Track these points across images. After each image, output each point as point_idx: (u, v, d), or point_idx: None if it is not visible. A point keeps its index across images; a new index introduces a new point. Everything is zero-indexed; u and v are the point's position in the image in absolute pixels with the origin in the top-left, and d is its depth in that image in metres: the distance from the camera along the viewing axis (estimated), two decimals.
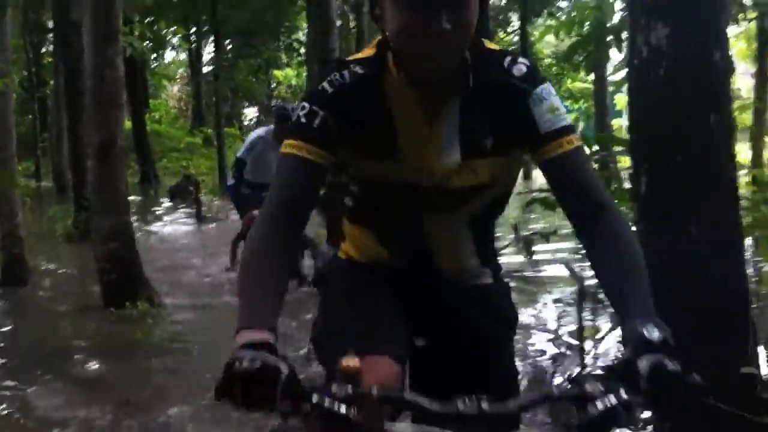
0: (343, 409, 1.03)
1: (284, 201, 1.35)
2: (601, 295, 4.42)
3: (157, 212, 13.82)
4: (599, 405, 1.00)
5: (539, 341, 4.71)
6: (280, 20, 24.19)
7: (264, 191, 6.04)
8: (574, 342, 4.43)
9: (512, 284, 1.77)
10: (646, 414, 2.65)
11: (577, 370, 3.91)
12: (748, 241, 4.05)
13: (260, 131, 6.38)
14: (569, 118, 1.39)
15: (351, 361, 1.08)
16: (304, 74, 16.97)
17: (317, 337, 1.55)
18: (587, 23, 5.25)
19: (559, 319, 5.21)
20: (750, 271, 3.67)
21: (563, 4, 19.74)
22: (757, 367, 2.54)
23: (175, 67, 34.29)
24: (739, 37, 14.97)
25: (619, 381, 1.04)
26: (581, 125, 16.08)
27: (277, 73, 29.99)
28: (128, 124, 15.20)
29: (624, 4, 4.44)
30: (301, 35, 24.40)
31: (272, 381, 1.03)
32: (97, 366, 4.48)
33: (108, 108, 5.73)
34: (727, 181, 2.62)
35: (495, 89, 1.38)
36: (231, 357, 1.06)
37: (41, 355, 4.70)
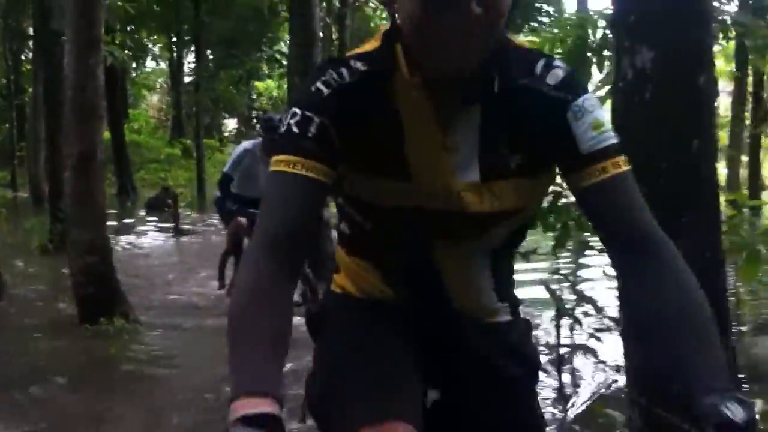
0: None
1: (278, 230, 1.10)
2: (579, 315, 4.43)
3: (134, 225, 13.67)
4: None
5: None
6: (262, 31, 24.19)
7: (253, 206, 5.98)
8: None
9: None
10: None
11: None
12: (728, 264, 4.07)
13: (247, 144, 6.19)
14: (615, 136, 1.15)
15: None
16: (286, 86, 16.95)
17: (316, 400, 1.31)
18: (569, 39, 5.26)
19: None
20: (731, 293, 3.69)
21: (545, 20, 19.91)
22: (738, 387, 2.52)
23: (155, 76, 34.13)
24: (717, 56, 15.17)
25: None
26: None
27: (259, 84, 29.95)
28: (107, 134, 15.07)
29: (605, 23, 4.45)
30: (284, 46, 24.38)
31: None
32: (69, 384, 4.37)
33: (88, 118, 5.64)
34: (710, 204, 2.62)
35: (524, 97, 1.15)
36: None
37: (13, 373, 4.57)
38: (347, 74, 1.16)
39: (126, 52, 21.12)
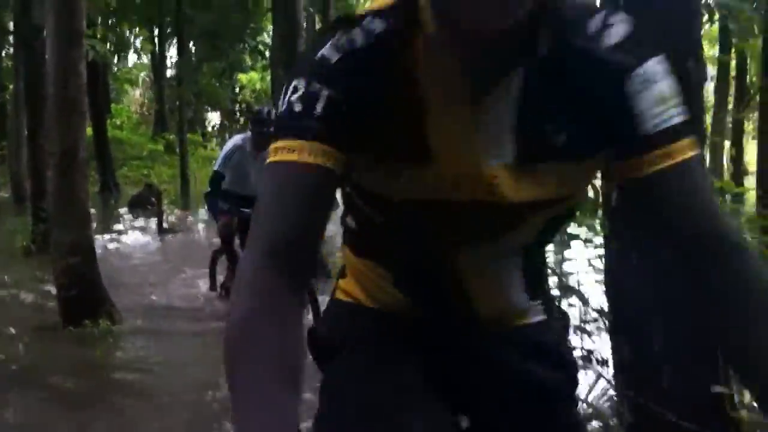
0: None
1: (280, 234, 0.89)
2: (565, 307, 4.43)
3: (116, 223, 13.55)
4: None
5: None
6: (245, 22, 24.03)
7: (245, 204, 5.88)
8: None
9: None
10: None
11: None
12: None
13: (236, 139, 6.01)
14: (684, 112, 0.93)
15: None
16: (269, 78, 16.87)
17: None
18: None
19: None
20: None
21: None
22: (729, 386, 2.52)
23: (137, 71, 33.87)
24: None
25: None
26: None
27: (242, 77, 29.77)
28: (89, 131, 14.94)
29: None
30: (267, 37, 24.24)
31: None
32: (53, 388, 4.31)
33: (70, 115, 5.55)
34: None
35: (576, 63, 0.92)
36: None
37: None
38: (360, 37, 0.94)
39: (108, 47, 20.92)
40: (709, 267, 0.89)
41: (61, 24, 5.53)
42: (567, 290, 4.47)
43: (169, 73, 26.91)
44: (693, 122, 0.95)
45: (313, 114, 0.91)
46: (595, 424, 3.41)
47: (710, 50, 14.92)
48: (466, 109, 0.95)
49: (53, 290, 5.82)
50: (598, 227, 3.17)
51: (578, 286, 5.05)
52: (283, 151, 0.91)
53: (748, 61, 15.56)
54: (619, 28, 0.92)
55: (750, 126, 19.63)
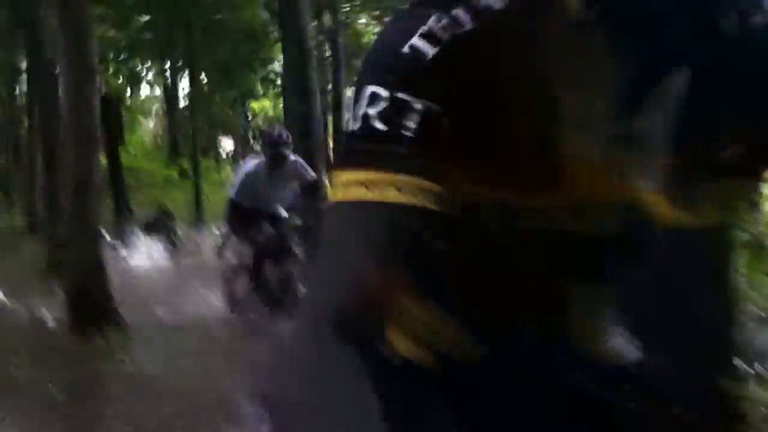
0: None
1: (356, 302, 0.64)
2: None
3: (129, 246, 13.65)
4: None
5: None
6: (256, 52, 24.29)
7: (255, 216, 5.93)
8: None
9: None
10: None
11: None
12: None
13: (249, 167, 6.11)
14: None
15: None
16: (281, 106, 17.00)
17: None
18: None
19: None
20: None
21: None
22: (735, 379, 2.51)
23: (150, 103, 34.29)
24: None
25: None
26: None
27: (254, 104, 30.05)
28: (103, 161, 15.08)
29: None
30: (278, 66, 24.49)
31: None
32: (61, 400, 4.36)
33: (85, 148, 5.68)
34: None
35: (755, 48, 0.61)
36: None
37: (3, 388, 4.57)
38: (466, 17, 0.66)
39: (120, 80, 21.15)
40: None
41: (73, 62, 5.66)
42: None
43: (182, 103, 27.21)
44: None
45: (402, 134, 0.65)
46: None
47: None
48: (610, 113, 0.65)
49: (64, 306, 5.90)
50: None
51: None
52: (358, 186, 0.65)
53: None
54: None
55: None
